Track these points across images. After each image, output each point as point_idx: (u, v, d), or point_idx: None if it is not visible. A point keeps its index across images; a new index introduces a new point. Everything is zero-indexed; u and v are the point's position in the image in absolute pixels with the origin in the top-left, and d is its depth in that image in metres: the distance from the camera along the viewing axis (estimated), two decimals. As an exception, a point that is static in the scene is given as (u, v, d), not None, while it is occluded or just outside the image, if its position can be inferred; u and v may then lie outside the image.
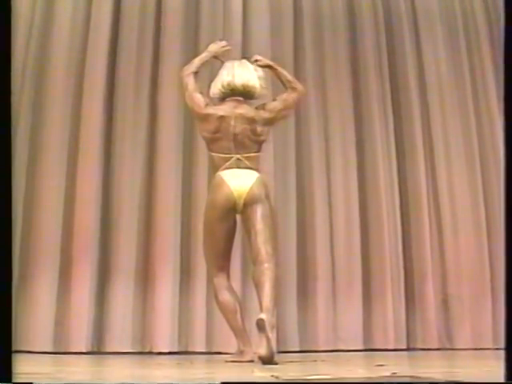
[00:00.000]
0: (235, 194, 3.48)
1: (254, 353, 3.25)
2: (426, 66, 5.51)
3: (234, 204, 3.49)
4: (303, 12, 5.39)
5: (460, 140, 5.44)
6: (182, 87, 3.73)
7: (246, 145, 3.56)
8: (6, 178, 2.03)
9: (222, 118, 3.56)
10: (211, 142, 3.62)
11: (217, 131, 3.57)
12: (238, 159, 3.54)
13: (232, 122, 3.55)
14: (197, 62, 3.76)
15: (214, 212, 3.54)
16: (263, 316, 3.13)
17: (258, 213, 3.46)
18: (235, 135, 3.55)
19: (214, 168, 3.61)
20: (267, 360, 3.07)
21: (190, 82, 3.67)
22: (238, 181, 3.49)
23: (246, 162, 3.54)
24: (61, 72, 4.86)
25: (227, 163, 3.53)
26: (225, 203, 3.49)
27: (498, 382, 1.76)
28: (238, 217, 3.59)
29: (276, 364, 3.07)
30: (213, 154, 3.62)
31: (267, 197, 3.54)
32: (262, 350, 3.07)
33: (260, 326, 3.10)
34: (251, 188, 3.48)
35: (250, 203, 3.47)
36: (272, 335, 3.11)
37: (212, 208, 3.56)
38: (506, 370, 1.82)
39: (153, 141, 4.94)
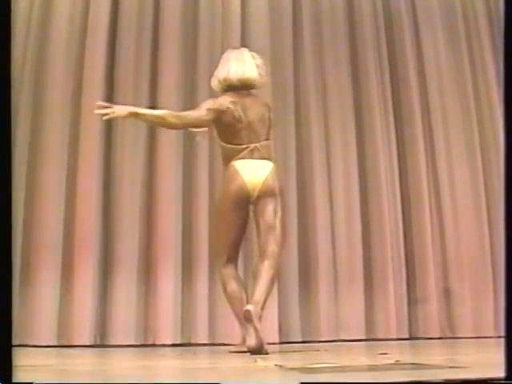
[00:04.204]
0: (249, 185, 3.47)
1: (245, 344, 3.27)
2: (427, 61, 5.51)
3: (247, 195, 3.48)
4: (302, 11, 5.38)
5: (461, 131, 5.44)
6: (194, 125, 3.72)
7: (258, 133, 3.56)
8: (7, 174, 2.03)
9: (230, 109, 3.54)
10: (223, 133, 3.60)
11: (228, 123, 3.54)
12: (252, 148, 3.52)
13: (241, 112, 3.54)
14: None
15: (227, 203, 3.51)
16: (250, 307, 3.16)
17: (271, 208, 3.46)
18: (249, 123, 3.54)
19: (227, 158, 3.57)
20: (257, 350, 3.11)
21: (187, 114, 3.63)
22: (253, 172, 3.48)
23: (262, 151, 3.53)
24: (59, 71, 4.87)
25: (241, 153, 3.51)
26: (238, 194, 3.48)
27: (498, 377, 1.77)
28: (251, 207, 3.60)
29: (266, 354, 3.09)
30: (225, 144, 3.59)
31: (281, 190, 3.55)
32: (251, 341, 3.11)
33: (247, 317, 3.14)
34: (266, 180, 3.47)
35: (263, 196, 3.46)
36: (259, 325, 3.14)
37: (225, 198, 3.53)
38: (506, 358, 1.82)
39: (153, 135, 4.94)
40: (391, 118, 5.41)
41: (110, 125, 4.89)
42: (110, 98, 4.93)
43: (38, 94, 4.83)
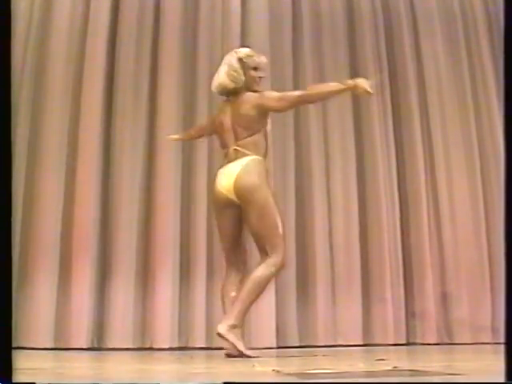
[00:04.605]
0: (224, 190, 3.50)
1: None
2: (426, 66, 5.51)
3: (227, 200, 3.50)
4: (302, 12, 5.38)
5: (459, 136, 5.45)
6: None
7: (238, 133, 3.56)
8: (6, 175, 2.02)
9: (216, 117, 3.73)
10: (219, 141, 3.73)
11: (215, 131, 3.74)
12: (234, 149, 3.54)
13: (222, 117, 3.63)
14: None
15: (214, 211, 3.69)
16: (219, 329, 3.30)
17: (250, 209, 3.43)
18: (229, 127, 3.59)
19: None
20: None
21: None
22: (225, 176, 3.51)
23: (244, 150, 3.52)
24: (59, 71, 4.87)
25: (226, 158, 3.58)
26: (218, 202, 3.57)
27: (498, 382, 1.76)
28: None
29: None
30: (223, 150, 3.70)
31: (257, 183, 3.45)
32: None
33: (220, 337, 3.31)
34: (236, 177, 3.47)
35: (240, 195, 3.45)
36: (233, 336, 3.28)
37: (212, 206, 3.75)
38: (506, 365, 1.82)
39: (152, 138, 4.94)
40: (390, 123, 5.41)
41: (108, 126, 4.89)
42: (110, 96, 4.93)
43: (38, 94, 4.83)
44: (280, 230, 3.45)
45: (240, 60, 3.63)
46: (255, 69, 3.64)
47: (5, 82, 2.06)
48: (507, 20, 2.25)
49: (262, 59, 3.72)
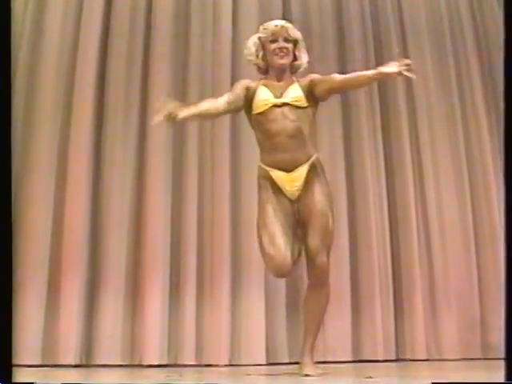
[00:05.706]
0: None
1: None
2: (414, 80, 5.53)
3: None
4: (292, 11, 5.39)
5: (448, 151, 5.46)
6: None
7: None
8: (4, 188, 2.02)
9: None
10: None
11: None
12: None
13: None
14: None
15: None
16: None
17: None
18: None
19: None
20: None
21: None
22: None
23: None
24: (51, 74, 4.85)
25: None
26: None
27: (498, 382, 1.77)
28: None
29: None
30: None
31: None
32: None
33: None
34: None
35: None
36: None
37: None
38: (506, 364, 1.82)
39: (143, 148, 4.92)
40: (379, 137, 5.40)
41: (99, 134, 4.86)
42: (101, 103, 4.91)
43: (30, 98, 4.79)
44: (263, 244, 3.42)
45: (259, 38, 3.44)
46: (273, 41, 3.39)
47: (5, 83, 2.06)
48: (507, 33, 2.25)
49: (276, 26, 3.40)
